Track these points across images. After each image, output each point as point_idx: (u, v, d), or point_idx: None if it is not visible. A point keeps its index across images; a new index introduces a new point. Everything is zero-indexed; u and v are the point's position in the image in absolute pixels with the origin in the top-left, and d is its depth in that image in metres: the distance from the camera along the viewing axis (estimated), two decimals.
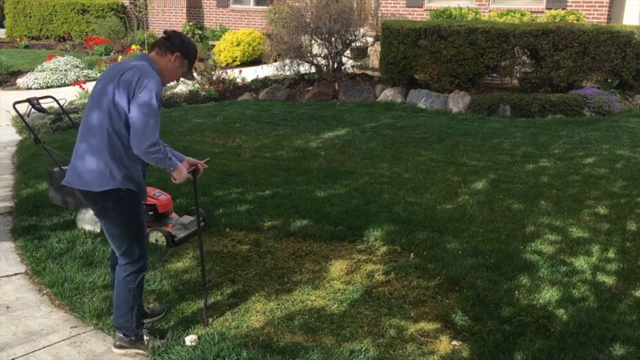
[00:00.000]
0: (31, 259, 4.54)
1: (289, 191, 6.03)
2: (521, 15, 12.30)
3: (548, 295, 4.05)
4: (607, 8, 12.36)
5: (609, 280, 4.28)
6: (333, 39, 11.57)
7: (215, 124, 9.18)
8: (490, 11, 13.02)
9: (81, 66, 13.29)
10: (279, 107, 10.50)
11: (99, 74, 12.75)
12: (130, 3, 18.23)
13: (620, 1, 13.02)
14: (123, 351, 3.44)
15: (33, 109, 5.18)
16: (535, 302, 3.96)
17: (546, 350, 3.43)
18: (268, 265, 4.49)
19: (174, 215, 5.12)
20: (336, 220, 5.27)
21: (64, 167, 5.01)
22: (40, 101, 5.18)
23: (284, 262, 4.55)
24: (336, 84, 11.42)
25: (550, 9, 12.56)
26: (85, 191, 3.19)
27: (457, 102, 10.17)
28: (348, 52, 12.41)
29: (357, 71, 12.51)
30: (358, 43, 12.38)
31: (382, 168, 6.92)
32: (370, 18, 13.03)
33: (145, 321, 3.63)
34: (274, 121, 9.43)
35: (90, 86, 10.82)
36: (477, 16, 12.65)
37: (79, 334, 3.63)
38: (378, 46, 12.21)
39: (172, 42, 3.26)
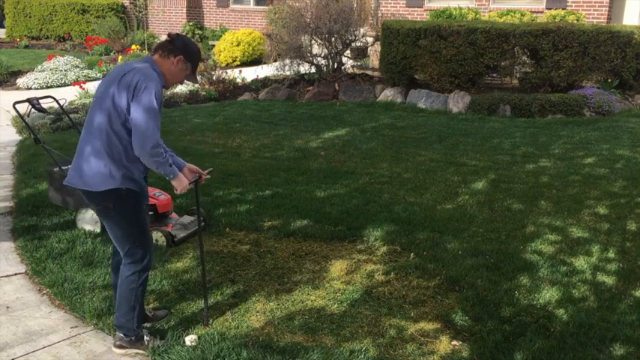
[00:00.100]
0: (31, 259, 4.54)
1: (289, 191, 6.03)
2: (521, 15, 12.30)
3: (548, 295, 4.05)
4: (607, 8, 12.36)
5: (609, 280, 4.28)
6: (333, 39, 11.57)
7: (215, 124, 9.18)
8: (490, 11, 13.02)
9: (81, 66, 13.28)
10: (279, 107, 10.51)
11: (99, 74, 12.79)
12: (130, 3, 18.23)
13: (620, 1, 13.02)
14: (123, 351, 3.44)
15: (33, 109, 5.18)
16: (535, 302, 3.96)
17: (546, 350, 3.43)
18: (268, 265, 4.49)
19: (174, 215, 5.12)
20: (336, 220, 5.27)
21: (64, 167, 5.02)
22: (40, 101, 5.18)
23: (284, 262, 4.55)
24: (336, 84, 11.42)
25: (550, 9, 12.56)
26: (86, 191, 3.23)
27: (457, 102, 10.17)
28: (348, 52, 12.41)
29: (357, 71, 12.51)
30: (358, 43, 12.39)
31: (382, 168, 6.92)
32: (370, 18, 13.03)
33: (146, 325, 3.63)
34: (274, 121, 9.43)
35: (90, 86, 10.84)
36: (477, 16, 12.66)
37: (79, 334, 3.63)
38: (378, 46, 12.21)
39: (175, 45, 3.27)
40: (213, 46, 15.76)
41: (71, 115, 7.96)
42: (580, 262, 4.55)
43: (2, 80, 12.53)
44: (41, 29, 18.85)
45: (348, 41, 11.79)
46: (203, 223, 5.00)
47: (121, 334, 3.43)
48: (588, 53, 9.95)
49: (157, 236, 4.78)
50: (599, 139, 8.21)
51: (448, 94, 10.43)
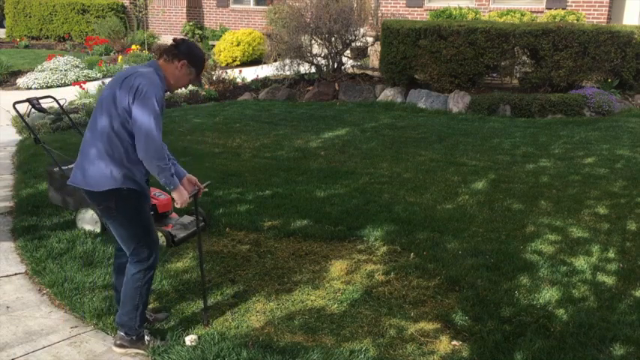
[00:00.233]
0: (31, 259, 4.54)
1: (289, 191, 6.03)
2: (521, 15, 12.30)
3: (548, 295, 4.05)
4: (607, 8, 12.36)
5: (609, 280, 4.28)
6: (333, 39, 11.57)
7: (215, 124, 9.18)
8: (490, 11, 13.02)
9: (81, 66, 13.28)
10: (279, 107, 10.51)
11: (99, 74, 12.80)
12: (130, 3, 18.23)
13: (620, 1, 13.02)
14: (123, 350, 3.44)
15: (33, 109, 5.18)
16: (535, 302, 3.96)
17: (546, 350, 3.43)
18: (268, 265, 4.49)
19: (174, 215, 5.12)
20: (336, 220, 5.27)
21: (64, 167, 5.02)
22: (40, 101, 5.18)
23: (284, 262, 4.55)
24: (336, 84, 11.42)
25: (550, 9, 12.57)
26: (88, 191, 3.27)
27: (457, 102, 10.17)
28: (348, 52, 12.41)
29: (357, 71, 12.51)
30: (358, 43, 12.38)
31: (382, 168, 6.92)
32: (370, 18, 13.03)
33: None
34: (274, 121, 9.43)
35: (90, 86, 10.85)
36: (477, 16, 12.66)
37: (79, 334, 3.63)
38: (378, 46, 12.21)
39: (180, 50, 3.32)
40: (213, 46, 15.76)
41: (71, 115, 7.97)
42: (580, 262, 4.55)
43: (2, 80, 12.53)
44: (41, 29, 18.84)
45: (348, 41, 11.79)
46: (203, 224, 5.00)
47: (122, 333, 3.44)
48: (588, 53, 9.95)
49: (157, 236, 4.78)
50: (599, 139, 8.21)
51: (448, 94, 10.43)
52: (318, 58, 11.82)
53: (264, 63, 13.14)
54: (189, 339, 3.48)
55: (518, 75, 10.86)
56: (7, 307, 3.92)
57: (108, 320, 3.70)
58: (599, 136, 8.41)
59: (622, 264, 4.53)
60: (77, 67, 13.15)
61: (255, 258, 4.60)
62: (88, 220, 5.03)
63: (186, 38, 3.49)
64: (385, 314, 3.83)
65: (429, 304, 3.96)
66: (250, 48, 14.74)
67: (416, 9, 14.13)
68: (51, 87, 12.01)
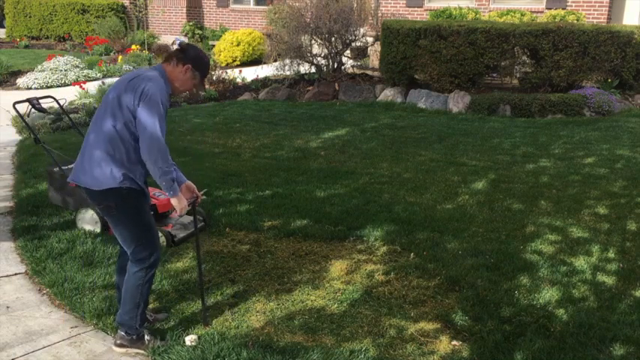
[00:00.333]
0: (31, 259, 4.54)
1: (289, 191, 6.03)
2: (521, 15, 12.30)
3: (548, 295, 4.05)
4: (607, 8, 12.36)
5: (609, 280, 4.28)
6: (333, 39, 11.57)
7: (215, 124, 9.18)
8: (490, 11, 13.02)
9: (81, 66, 13.28)
10: (279, 107, 10.51)
11: (99, 74, 12.80)
12: (130, 3, 18.23)
13: (620, 1, 13.02)
14: (123, 349, 3.45)
15: (33, 109, 5.18)
16: (535, 302, 3.96)
17: (546, 350, 3.43)
18: (268, 265, 4.49)
19: (174, 215, 5.12)
20: (336, 220, 5.27)
21: (64, 167, 5.02)
22: (40, 101, 5.18)
23: (284, 262, 4.55)
24: (336, 84, 11.42)
25: (550, 9, 12.57)
26: (88, 190, 3.29)
27: (457, 102, 10.17)
28: (348, 52, 12.41)
29: (357, 71, 12.51)
30: (358, 43, 12.38)
31: (382, 168, 6.92)
32: (370, 18, 13.03)
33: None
34: (274, 121, 9.43)
35: (90, 86, 10.85)
36: (477, 16, 12.65)
37: (79, 334, 3.63)
38: (378, 46, 12.21)
39: (185, 54, 3.37)
40: (213, 46, 15.76)
41: (71, 115, 7.97)
42: (580, 262, 4.55)
43: (2, 80, 12.53)
44: (41, 29, 18.84)
45: (348, 41, 11.79)
46: (203, 224, 5.00)
47: (123, 333, 3.45)
48: (588, 53, 9.95)
49: None
50: (599, 139, 8.21)
51: (448, 94, 10.43)
52: (318, 58, 11.82)
53: (264, 63, 13.14)
54: (189, 339, 3.48)
55: (518, 75, 10.86)
56: (7, 307, 3.92)
57: (108, 320, 3.70)
58: (599, 136, 8.41)
59: (622, 264, 4.53)
60: (77, 67, 13.15)
61: (255, 258, 4.60)
62: (88, 220, 5.03)
63: (192, 43, 3.54)
64: (385, 314, 3.83)
65: (429, 304, 3.96)
66: (250, 48, 14.74)
67: (416, 9, 14.13)
68: (51, 87, 12.01)
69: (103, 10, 17.82)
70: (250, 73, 12.84)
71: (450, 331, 3.67)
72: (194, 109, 10.36)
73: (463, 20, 11.81)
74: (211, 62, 13.37)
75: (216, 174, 6.53)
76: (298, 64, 11.78)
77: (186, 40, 17.08)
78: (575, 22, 11.50)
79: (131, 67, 13.35)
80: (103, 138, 3.21)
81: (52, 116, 8.62)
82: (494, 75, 11.14)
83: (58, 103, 5.67)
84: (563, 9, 12.45)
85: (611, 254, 4.70)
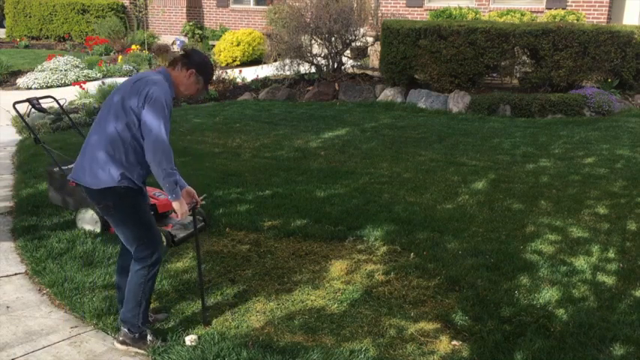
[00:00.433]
0: (31, 259, 4.54)
1: (289, 191, 6.03)
2: (521, 15, 12.30)
3: (548, 295, 4.05)
4: (607, 8, 12.36)
5: (609, 280, 4.28)
6: (333, 39, 11.57)
7: (215, 124, 9.18)
8: (490, 11, 13.02)
9: (81, 66, 13.28)
10: (279, 107, 10.51)
11: (99, 74, 12.80)
12: (130, 3, 18.23)
13: (620, 1, 13.02)
14: (125, 347, 3.46)
15: (33, 109, 5.18)
16: (535, 302, 3.96)
17: (546, 350, 3.43)
18: (268, 265, 4.49)
19: (174, 215, 5.12)
20: (336, 220, 5.27)
21: (64, 167, 5.02)
22: (40, 101, 5.18)
23: (284, 262, 4.55)
24: (336, 84, 11.42)
25: (550, 9, 12.57)
26: (86, 188, 3.33)
27: (457, 102, 10.17)
28: (348, 52, 12.41)
29: (357, 71, 12.51)
30: (358, 43, 12.38)
31: (382, 168, 6.92)
32: (370, 18, 13.03)
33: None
34: (274, 121, 9.43)
35: (90, 86, 10.85)
36: (477, 16, 12.66)
37: (79, 334, 3.63)
38: (378, 46, 12.21)
39: (190, 60, 3.41)
40: (213, 46, 15.76)
41: (71, 115, 7.97)
42: (580, 262, 4.55)
43: (2, 80, 12.53)
44: (41, 29, 18.85)
45: (348, 41, 11.78)
46: (203, 224, 5.00)
47: (126, 330, 3.46)
48: (588, 53, 9.95)
49: None
50: (599, 139, 8.21)
51: (448, 94, 10.43)
52: (318, 58, 11.82)
53: (264, 63, 13.14)
54: (189, 339, 3.48)
55: (518, 75, 10.86)
56: (7, 307, 3.93)
57: (108, 320, 3.70)
58: (599, 136, 8.41)
59: (622, 264, 4.53)
60: (77, 67, 13.15)
61: (255, 258, 4.60)
62: (88, 220, 5.03)
63: (197, 48, 3.58)
64: (385, 314, 3.83)
65: (429, 304, 3.96)
66: (250, 48, 14.74)
67: (416, 9, 14.13)
68: (51, 87, 12.01)
69: (103, 10, 17.82)
70: (250, 73, 12.84)
71: (450, 331, 3.67)
72: (194, 109, 10.36)
73: (463, 20, 11.81)
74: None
75: (216, 174, 6.53)
76: (298, 64, 11.78)
77: (186, 40, 17.08)
78: (575, 22, 11.50)
79: (131, 67, 13.35)
80: (105, 139, 3.24)
81: (52, 116, 8.62)
82: (494, 75, 11.14)
83: (58, 103, 5.67)
84: (563, 9, 12.45)
85: (611, 254, 4.70)
